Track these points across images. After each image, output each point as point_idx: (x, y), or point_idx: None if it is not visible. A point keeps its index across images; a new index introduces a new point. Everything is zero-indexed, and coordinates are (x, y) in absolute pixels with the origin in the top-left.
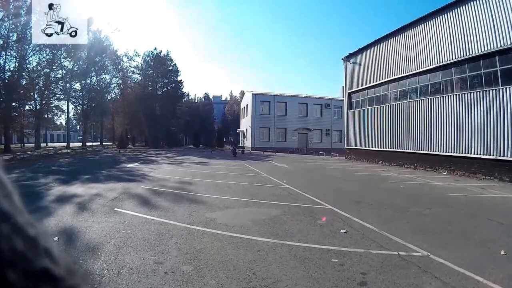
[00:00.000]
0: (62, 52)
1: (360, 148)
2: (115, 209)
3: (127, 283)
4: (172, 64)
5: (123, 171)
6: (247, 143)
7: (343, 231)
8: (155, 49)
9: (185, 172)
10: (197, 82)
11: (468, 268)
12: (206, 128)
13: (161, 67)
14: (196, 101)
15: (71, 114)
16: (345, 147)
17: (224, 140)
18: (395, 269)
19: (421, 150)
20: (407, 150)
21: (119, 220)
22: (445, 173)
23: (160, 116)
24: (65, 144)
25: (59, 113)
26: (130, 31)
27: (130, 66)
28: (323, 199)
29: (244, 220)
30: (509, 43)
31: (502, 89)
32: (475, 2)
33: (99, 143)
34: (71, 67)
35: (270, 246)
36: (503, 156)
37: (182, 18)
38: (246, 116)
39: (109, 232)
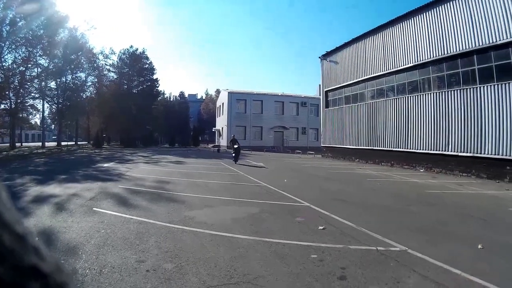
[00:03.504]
0: (38, 50)
1: (337, 146)
2: (94, 208)
3: (110, 282)
4: (148, 62)
5: (100, 170)
6: (223, 141)
7: (322, 228)
8: (131, 47)
9: (162, 171)
10: (173, 81)
11: (446, 261)
12: (181, 127)
13: (137, 65)
14: (171, 99)
15: (46, 113)
16: (322, 145)
17: (200, 139)
18: (374, 263)
19: (398, 148)
20: (384, 148)
21: (98, 219)
22: (422, 171)
23: (136, 115)
24: (40, 143)
25: (34, 112)
26: (106, 28)
27: (106, 64)
28: (300, 197)
29: (223, 218)
30: (487, 42)
31: (480, 87)
32: (454, 1)
33: (74, 143)
34: (46, 65)
35: (250, 243)
36: (481, 153)
37: (158, 16)
38: (222, 114)
39: (89, 232)
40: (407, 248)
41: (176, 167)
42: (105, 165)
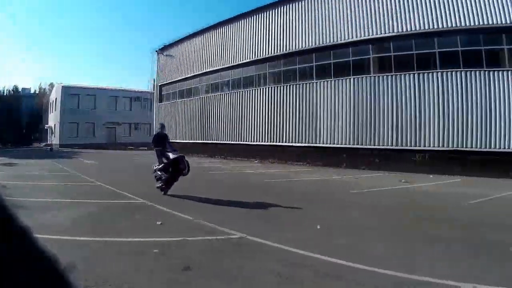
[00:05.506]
0: None
1: (170, 141)
2: None
3: None
4: None
5: None
6: (55, 140)
7: (159, 223)
8: None
9: None
10: (4, 73)
11: (286, 243)
12: (13, 125)
13: None
14: (5, 94)
15: None
16: None
17: (32, 137)
18: (215, 252)
19: (232, 140)
20: (218, 141)
21: None
22: (256, 162)
23: None
24: None
25: None
26: None
27: None
28: (136, 194)
29: (64, 221)
30: (326, 42)
31: (316, 82)
32: (297, 3)
33: None
34: None
35: (94, 244)
36: (317, 143)
37: None
38: (55, 110)
39: None
40: (246, 235)
41: (9, 170)
42: None
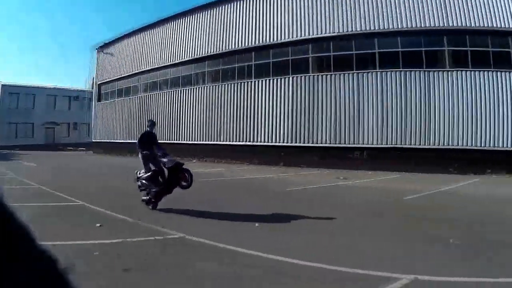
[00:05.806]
0: None
1: (109, 141)
2: None
3: None
4: None
5: None
6: None
7: (98, 225)
8: None
9: None
10: None
11: (225, 242)
12: None
13: None
14: None
15: None
16: (93, 140)
17: None
18: (154, 252)
19: (170, 140)
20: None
21: None
22: (194, 161)
23: None
24: None
25: None
26: None
27: None
28: (74, 196)
29: None
30: (265, 41)
31: (255, 81)
32: (236, 2)
33: None
34: None
35: None
36: (255, 141)
37: None
38: None
39: None
40: (185, 235)
41: None
42: None
